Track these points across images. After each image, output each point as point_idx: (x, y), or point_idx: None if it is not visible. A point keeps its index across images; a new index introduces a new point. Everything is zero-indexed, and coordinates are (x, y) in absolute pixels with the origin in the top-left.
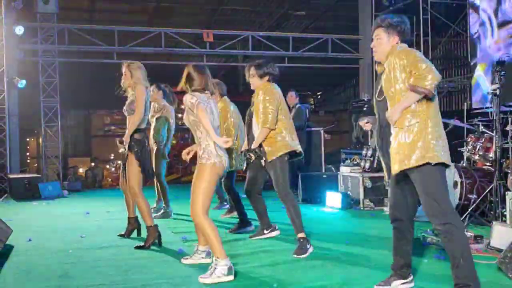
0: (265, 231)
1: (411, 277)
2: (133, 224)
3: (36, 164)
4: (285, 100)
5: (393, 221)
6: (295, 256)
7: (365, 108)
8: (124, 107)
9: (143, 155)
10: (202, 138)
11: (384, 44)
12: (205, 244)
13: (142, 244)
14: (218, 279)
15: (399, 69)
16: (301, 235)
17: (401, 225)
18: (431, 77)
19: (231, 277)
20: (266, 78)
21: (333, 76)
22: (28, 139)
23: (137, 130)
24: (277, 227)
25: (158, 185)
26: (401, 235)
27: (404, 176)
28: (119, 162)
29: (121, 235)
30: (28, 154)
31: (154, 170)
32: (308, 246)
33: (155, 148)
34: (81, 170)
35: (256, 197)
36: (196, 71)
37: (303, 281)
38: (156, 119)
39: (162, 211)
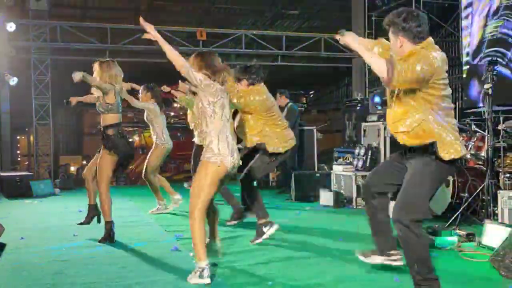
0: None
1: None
2: (93, 211)
3: (27, 162)
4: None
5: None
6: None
7: (358, 107)
8: (97, 105)
9: (116, 150)
10: (207, 133)
11: (394, 46)
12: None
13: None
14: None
15: None
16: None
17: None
18: (396, 74)
19: (208, 280)
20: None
21: (325, 75)
22: (18, 137)
23: (109, 126)
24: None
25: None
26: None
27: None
28: None
29: (80, 224)
30: (18, 152)
31: (148, 168)
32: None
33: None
34: (72, 168)
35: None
36: (201, 60)
37: (298, 278)
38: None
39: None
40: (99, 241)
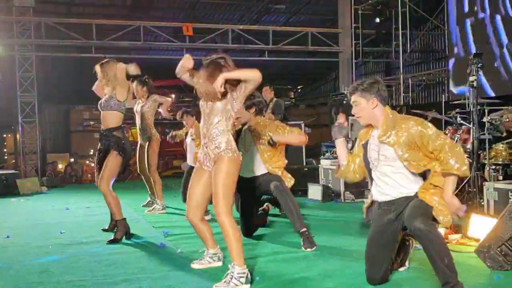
0: None
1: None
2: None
3: (13, 161)
4: (261, 95)
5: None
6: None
7: (344, 101)
8: (100, 102)
9: (124, 152)
10: (223, 131)
11: (365, 109)
12: (215, 247)
13: (113, 238)
14: (236, 287)
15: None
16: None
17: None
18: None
19: (248, 286)
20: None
21: (313, 70)
22: (5, 135)
23: (115, 128)
24: None
25: (151, 179)
26: None
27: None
28: None
29: (104, 230)
30: (5, 150)
31: (149, 165)
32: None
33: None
34: (60, 166)
35: None
36: None
37: (285, 273)
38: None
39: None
40: (115, 240)
